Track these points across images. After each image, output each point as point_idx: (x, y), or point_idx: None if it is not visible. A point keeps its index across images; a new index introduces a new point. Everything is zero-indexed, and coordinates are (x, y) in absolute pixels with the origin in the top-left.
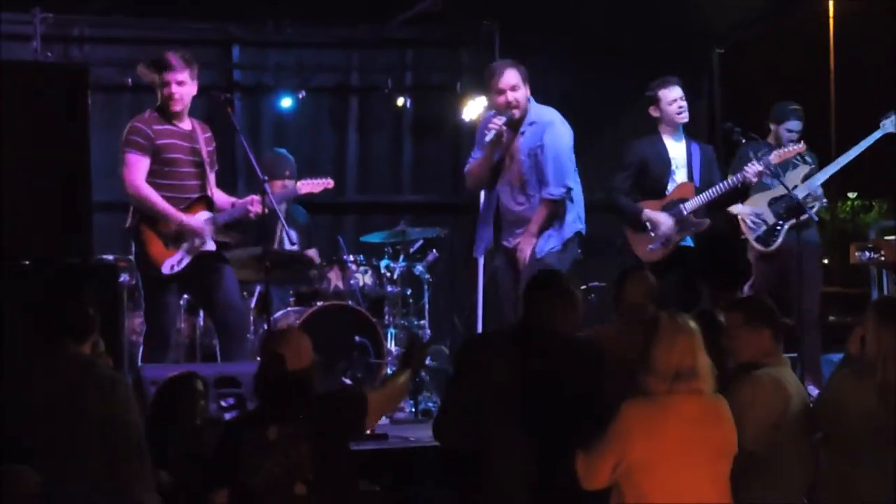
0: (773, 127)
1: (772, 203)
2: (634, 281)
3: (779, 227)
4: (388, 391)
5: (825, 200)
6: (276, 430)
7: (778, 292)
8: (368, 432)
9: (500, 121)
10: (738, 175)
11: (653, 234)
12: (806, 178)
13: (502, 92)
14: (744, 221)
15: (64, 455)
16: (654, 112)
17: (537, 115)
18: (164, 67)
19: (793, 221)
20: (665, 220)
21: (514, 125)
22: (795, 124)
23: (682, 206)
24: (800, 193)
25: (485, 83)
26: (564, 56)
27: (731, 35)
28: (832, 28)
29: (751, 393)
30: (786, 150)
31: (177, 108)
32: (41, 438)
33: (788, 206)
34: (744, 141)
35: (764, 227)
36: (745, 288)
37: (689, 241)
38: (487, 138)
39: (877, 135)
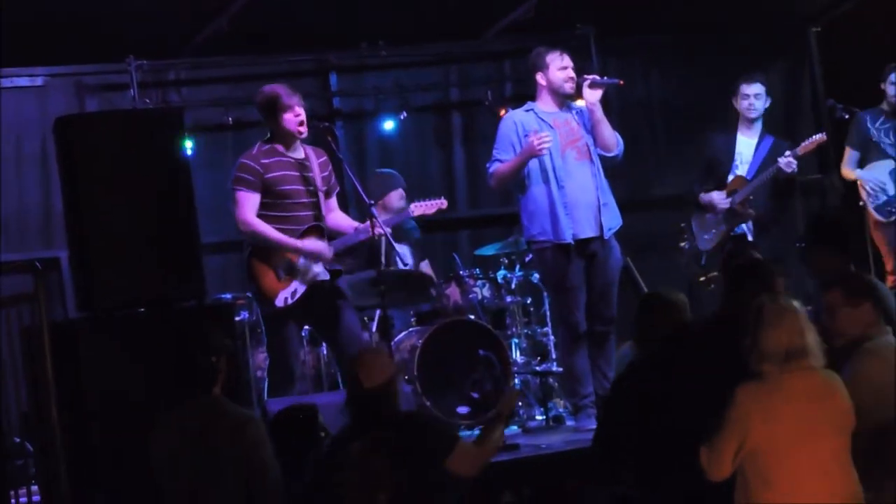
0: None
1: (892, 173)
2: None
3: None
4: (482, 448)
5: None
6: (357, 445)
7: None
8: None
9: None
10: (773, 167)
11: (711, 216)
12: None
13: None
14: (863, 188)
15: (200, 498)
16: (734, 103)
17: None
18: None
19: None
20: (720, 200)
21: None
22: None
23: (731, 197)
24: None
25: (535, 65)
26: (661, 55)
27: (827, 12)
28: None
29: (868, 365)
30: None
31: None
32: (175, 482)
33: None
34: (846, 116)
35: (884, 198)
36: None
37: (742, 229)
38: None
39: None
